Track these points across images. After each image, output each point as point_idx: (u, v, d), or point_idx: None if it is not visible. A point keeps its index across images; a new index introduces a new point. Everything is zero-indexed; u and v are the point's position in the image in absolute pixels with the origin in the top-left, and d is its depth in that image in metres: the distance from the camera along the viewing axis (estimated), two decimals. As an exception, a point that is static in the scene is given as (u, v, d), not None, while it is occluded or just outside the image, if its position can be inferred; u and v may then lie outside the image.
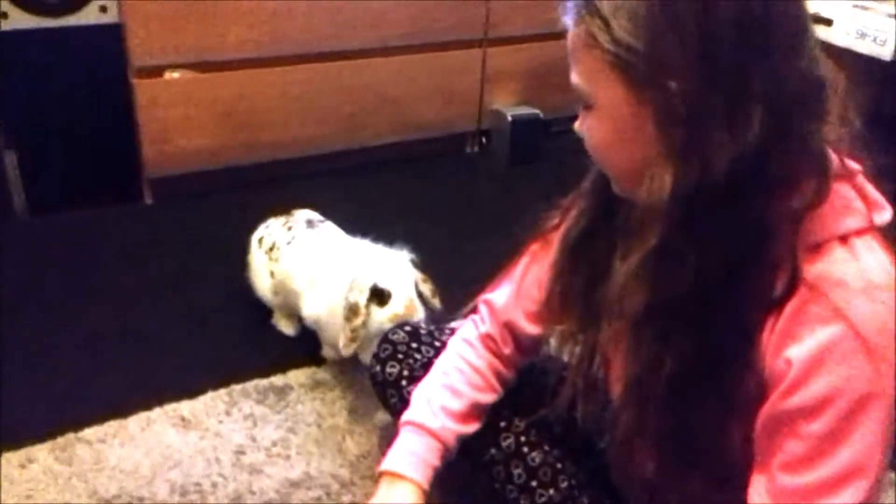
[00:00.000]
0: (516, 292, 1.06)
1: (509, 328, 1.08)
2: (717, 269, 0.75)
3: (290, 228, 1.68)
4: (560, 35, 0.80)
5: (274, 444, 1.41)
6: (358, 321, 1.40)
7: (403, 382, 1.19)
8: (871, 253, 0.74)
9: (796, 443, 0.75)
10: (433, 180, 2.51)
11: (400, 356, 1.21)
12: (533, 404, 1.19)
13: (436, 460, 1.05)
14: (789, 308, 0.74)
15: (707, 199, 0.72)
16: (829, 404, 0.72)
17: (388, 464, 1.04)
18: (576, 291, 0.94)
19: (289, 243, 1.65)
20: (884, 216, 0.77)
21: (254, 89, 2.26)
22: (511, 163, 2.60)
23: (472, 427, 1.10)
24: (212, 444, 1.40)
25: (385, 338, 1.24)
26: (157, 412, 1.47)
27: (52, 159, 2.12)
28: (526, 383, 1.20)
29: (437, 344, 1.22)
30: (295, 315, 1.69)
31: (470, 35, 2.52)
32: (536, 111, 2.60)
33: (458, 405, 1.07)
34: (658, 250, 0.75)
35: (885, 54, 2.02)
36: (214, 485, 1.31)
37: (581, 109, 0.82)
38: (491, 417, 1.15)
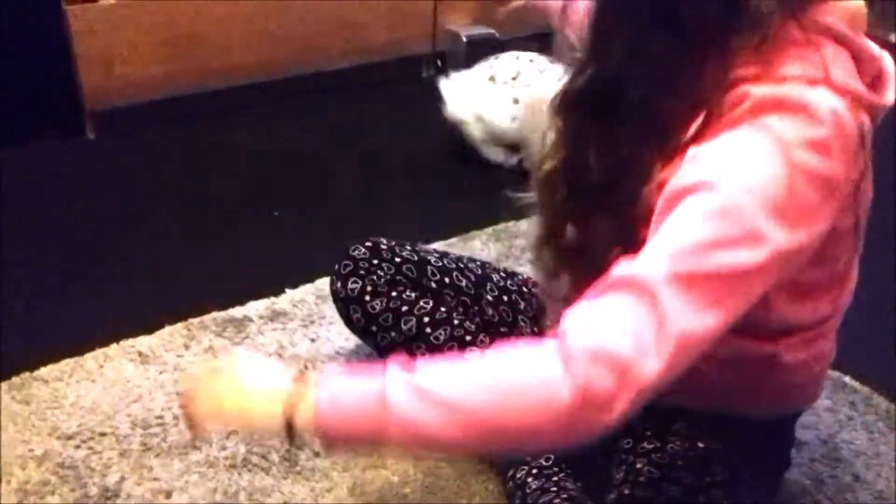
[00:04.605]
0: None
1: None
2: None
3: (517, 58, 2.01)
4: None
5: (236, 374, 1.38)
6: None
7: (367, 298, 1.18)
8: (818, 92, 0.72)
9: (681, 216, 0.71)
10: (389, 106, 2.44)
11: (362, 272, 1.19)
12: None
13: None
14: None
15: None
16: (725, 182, 0.70)
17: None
18: None
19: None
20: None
21: (199, 13, 2.15)
22: (468, 86, 2.54)
23: None
24: (172, 377, 1.37)
25: (346, 254, 1.22)
26: (113, 349, 1.42)
27: (-14, 95, 2.01)
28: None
29: (398, 260, 1.20)
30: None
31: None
32: (492, 31, 2.52)
33: None
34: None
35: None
36: (176, 417, 1.28)
37: None
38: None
